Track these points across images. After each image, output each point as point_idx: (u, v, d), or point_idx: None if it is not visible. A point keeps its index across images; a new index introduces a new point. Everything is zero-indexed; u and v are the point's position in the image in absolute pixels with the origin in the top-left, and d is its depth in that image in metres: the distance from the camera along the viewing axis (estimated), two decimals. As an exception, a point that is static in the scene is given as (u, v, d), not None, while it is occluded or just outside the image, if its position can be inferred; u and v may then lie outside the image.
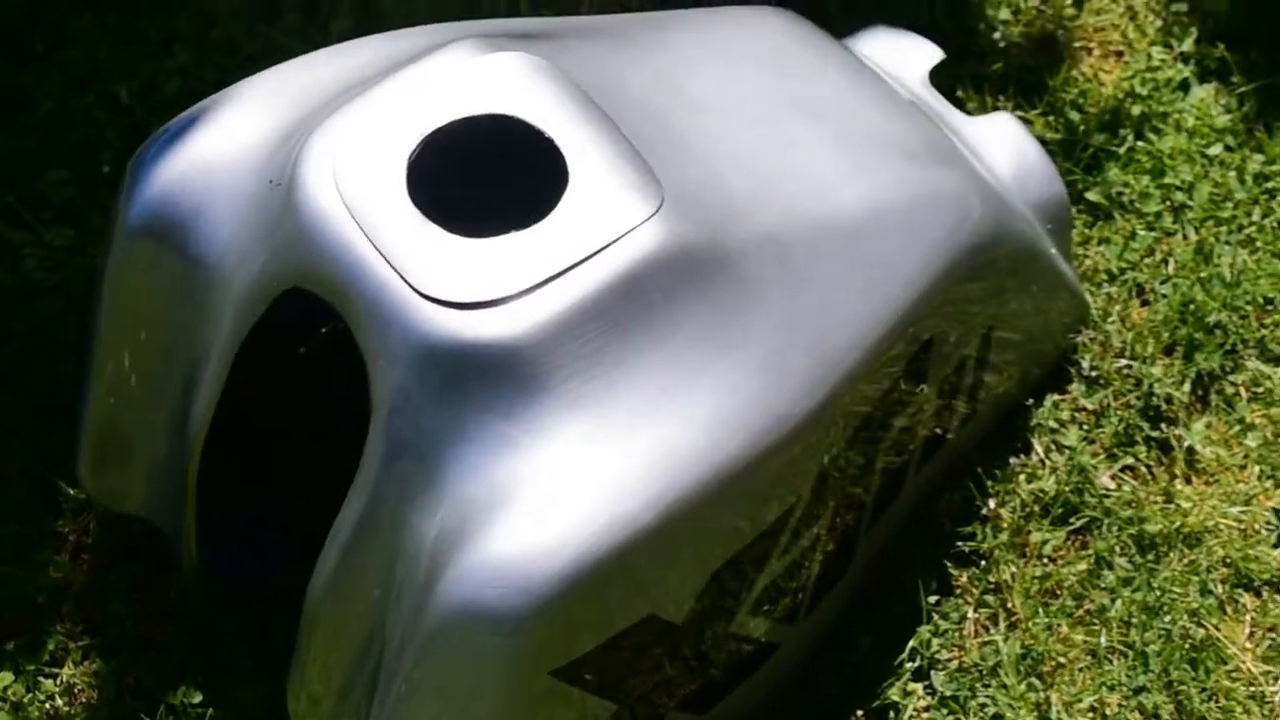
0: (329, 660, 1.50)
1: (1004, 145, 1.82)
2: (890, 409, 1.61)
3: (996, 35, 2.09)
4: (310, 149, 1.45)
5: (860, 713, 1.69)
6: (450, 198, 1.45)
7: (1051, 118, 2.04)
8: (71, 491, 1.79)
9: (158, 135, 1.54)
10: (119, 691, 1.72)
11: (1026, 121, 2.04)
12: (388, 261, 1.39)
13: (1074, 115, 2.04)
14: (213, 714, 1.70)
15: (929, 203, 1.64)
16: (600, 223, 1.42)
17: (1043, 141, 2.01)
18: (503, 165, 1.48)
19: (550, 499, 1.37)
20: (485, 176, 1.49)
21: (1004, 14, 2.12)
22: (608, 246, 1.41)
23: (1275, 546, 1.80)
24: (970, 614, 1.76)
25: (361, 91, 1.48)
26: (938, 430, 1.72)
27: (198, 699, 1.71)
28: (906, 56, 1.85)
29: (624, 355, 1.41)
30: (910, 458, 1.69)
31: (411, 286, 1.39)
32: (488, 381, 1.38)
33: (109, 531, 1.80)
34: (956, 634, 1.75)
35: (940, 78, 2.02)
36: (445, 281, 1.39)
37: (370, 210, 1.42)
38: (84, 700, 1.72)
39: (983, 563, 1.78)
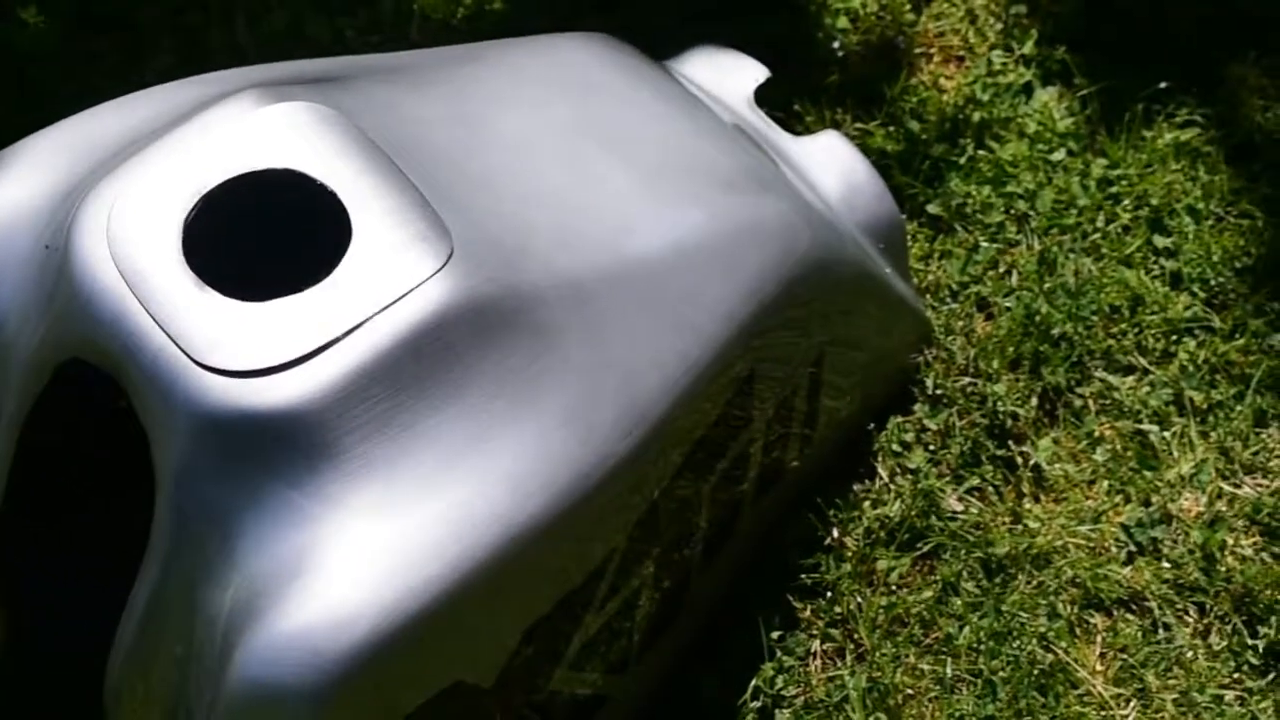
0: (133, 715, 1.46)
1: (832, 165, 1.78)
2: (716, 445, 1.56)
3: (835, 45, 2.05)
4: (83, 213, 1.39)
5: (700, 760, 1.67)
6: (233, 258, 1.39)
7: (892, 128, 2.00)
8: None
9: (-66, 201, 1.49)
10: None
11: (866, 134, 2.00)
12: (163, 330, 1.34)
13: (914, 125, 1.99)
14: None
15: (747, 234, 1.59)
16: (383, 280, 1.37)
17: (883, 154, 1.98)
18: (289, 222, 1.43)
19: (341, 570, 1.31)
20: (271, 234, 1.44)
21: (842, 22, 2.07)
22: (391, 305, 1.35)
23: (1125, 564, 1.76)
24: (816, 648, 1.72)
25: (138, 150, 1.42)
26: (773, 461, 1.67)
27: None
28: (730, 77, 1.81)
29: (415, 417, 1.35)
30: (744, 492, 1.65)
31: (188, 355, 1.33)
32: (273, 450, 1.33)
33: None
34: (801, 670, 1.71)
35: (776, 92, 1.98)
36: (223, 349, 1.34)
37: (145, 277, 1.36)
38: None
39: (828, 594, 1.74)
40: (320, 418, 1.34)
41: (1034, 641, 1.71)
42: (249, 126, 1.42)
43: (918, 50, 2.06)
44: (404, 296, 1.36)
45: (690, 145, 1.65)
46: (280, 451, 1.34)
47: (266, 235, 1.42)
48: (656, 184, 1.58)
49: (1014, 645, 1.71)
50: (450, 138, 1.50)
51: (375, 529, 1.34)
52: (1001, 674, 1.69)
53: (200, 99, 1.48)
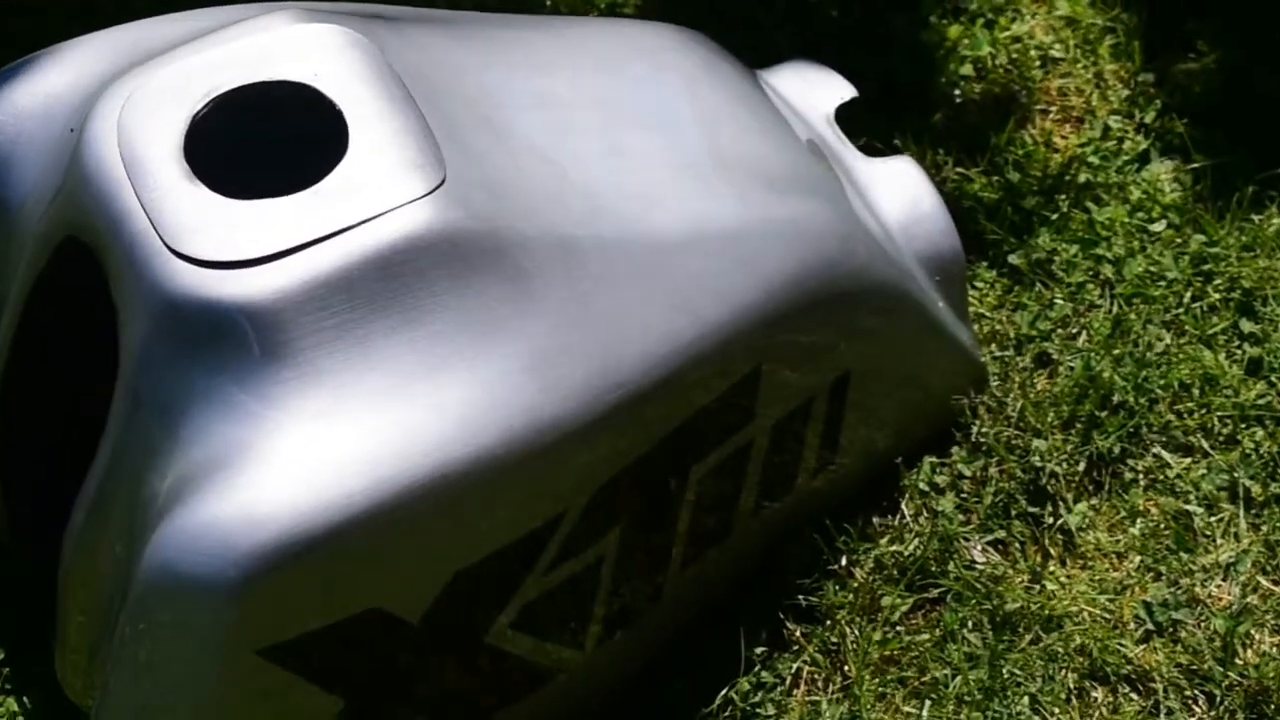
0: (80, 618, 1.47)
1: (898, 190, 1.74)
2: (707, 434, 1.53)
3: (955, 92, 2.02)
4: (102, 100, 1.43)
5: (653, 756, 1.63)
6: (236, 164, 1.42)
7: (994, 177, 1.96)
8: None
9: (-17, 81, 1.55)
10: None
11: (966, 179, 1.95)
12: (146, 213, 1.37)
13: (1014, 175, 1.94)
14: (8, 672, 1.68)
15: (776, 232, 1.56)
16: (366, 196, 1.37)
17: (977, 200, 1.93)
18: (297, 136, 1.45)
19: (268, 470, 1.32)
20: (277, 145, 1.45)
21: (966, 69, 2.04)
22: (368, 221, 1.36)
23: (1140, 642, 1.67)
24: (800, 670, 1.67)
25: (170, 50, 1.46)
26: (779, 470, 1.63)
27: (1, 656, 1.70)
28: (815, 90, 1.78)
29: (372, 334, 1.35)
30: (740, 495, 1.61)
31: (162, 239, 1.35)
32: (225, 344, 1.34)
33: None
34: (780, 690, 1.66)
35: (879, 126, 1.96)
36: (196, 238, 1.36)
37: (142, 164, 1.39)
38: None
39: (824, 620, 1.69)
40: (276, 318, 1.35)
41: (1024, 701, 1.64)
42: (275, 39, 1.45)
43: (1037, 106, 2.01)
44: (382, 215, 1.37)
45: (742, 141, 1.63)
46: (233, 347, 1.35)
47: (272, 146, 1.45)
48: (691, 169, 1.57)
49: (1003, 702, 1.64)
50: (479, 84, 1.51)
51: (312, 436, 1.34)
52: (984, 729, 1.63)
53: (249, 16, 1.52)
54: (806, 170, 1.66)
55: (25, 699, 1.66)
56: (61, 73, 1.50)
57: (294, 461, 1.33)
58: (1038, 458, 1.76)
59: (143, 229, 1.37)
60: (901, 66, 2.03)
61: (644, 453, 1.48)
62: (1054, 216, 1.92)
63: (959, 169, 1.97)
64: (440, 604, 1.40)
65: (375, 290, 1.36)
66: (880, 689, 1.65)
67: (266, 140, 1.45)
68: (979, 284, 1.89)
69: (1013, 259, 1.90)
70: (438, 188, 1.39)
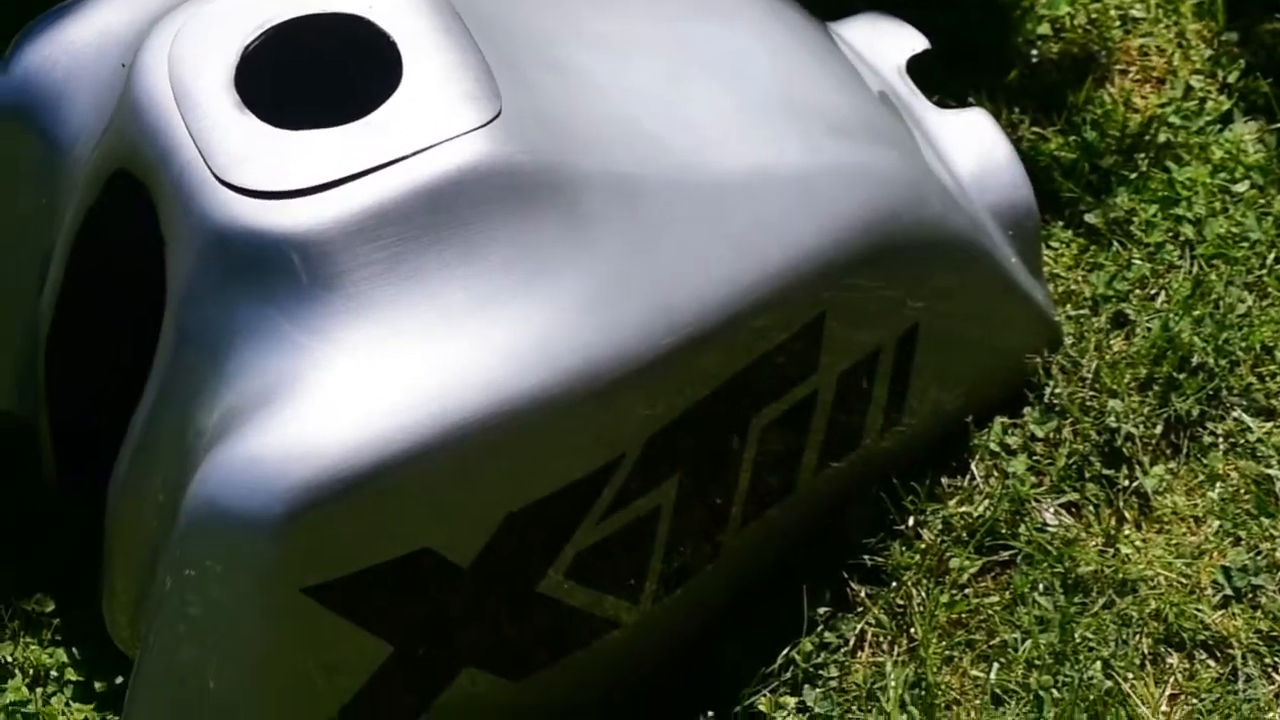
0: (126, 566, 1.44)
1: (970, 141, 1.69)
2: (765, 388, 1.49)
3: (1033, 53, 1.97)
4: (155, 33, 1.41)
5: (712, 714, 1.58)
6: (289, 96, 1.39)
7: (1070, 137, 1.91)
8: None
9: (40, 17, 1.52)
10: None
11: (1042, 138, 1.90)
12: (195, 143, 1.34)
13: (1091, 135, 1.89)
14: (58, 623, 1.66)
15: (844, 178, 1.52)
16: (419, 127, 1.34)
17: (1054, 160, 1.88)
18: (351, 68, 1.42)
19: (314, 403, 1.29)
20: (331, 77, 1.42)
21: (1044, 29, 1.99)
22: (420, 152, 1.33)
23: (1217, 608, 1.62)
24: (863, 631, 1.63)
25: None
26: (844, 426, 1.59)
27: (49, 608, 1.67)
28: (886, 40, 1.74)
29: (423, 267, 1.32)
30: (802, 451, 1.57)
31: (211, 169, 1.33)
32: (272, 275, 1.31)
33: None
34: (843, 651, 1.61)
35: (952, 85, 1.91)
36: (245, 168, 1.33)
37: (192, 94, 1.36)
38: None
39: (890, 581, 1.65)
40: (325, 249, 1.32)
41: (1097, 666, 1.59)
42: (331, -28, 1.43)
43: (1116, 66, 1.96)
44: (434, 146, 1.33)
45: (810, 87, 1.58)
46: (281, 278, 1.32)
47: (325, 78, 1.42)
48: (757, 113, 1.52)
49: (1075, 667, 1.59)
50: (542, 21, 1.48)
51: (361, 369, 1.31)
52: (1054, 693, 1.57)
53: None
54: (876, 118, 1.62)
55: (75, 649, 1.64)
56: (116, 9, 1.48)
57: (342, 395, 1.30)
58: (1113, 419, 1.70)
59: (192, 159, 1.34)
60: (975, 24, 1.98)
61: (703, 399, 1.44)
62: (1133, 176, 1.86)
63: (1034, 128, 1.91)
64: (491, 548, 1.37)
65: (427, 223, 1.32)
66: (947, 652, 1.61)
67: (320, 73, 1.42)
68: (1054, 244, 1.84)
69: (1089, 218, 1.84)
70: (493, 120, 1.35)
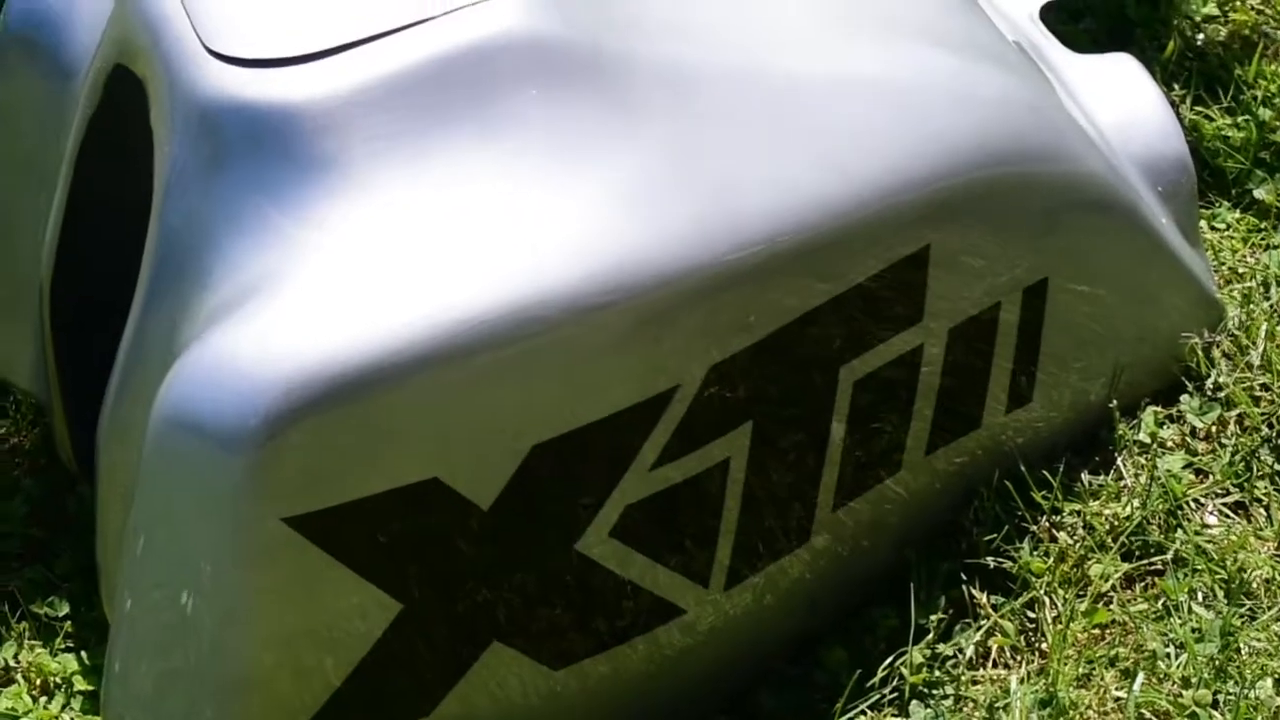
0: (117, 526, 1.25)
1: (1113, 86, 1.47)
2: (857, 330, 1.27)
3: (1199, 36, 1.75)
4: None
5: (804, 731, 1.34)
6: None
7: (1239, 116, 1.67)
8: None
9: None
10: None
11: (1206, 117, 1.67)
12: (186, 13, 1.18)
13: (1265, 113, 1.65)
14: (69, 628, 1.48)
15: (953, 94, 1.30)
16: (437, -9, 1.17)
17: (1221, 138, 1.65)
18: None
19: (303, 296, 1.09)
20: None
21: (1210, 8, 1.77)
22: (435, 17, 1.14)
23: None
24: (983, 643, 1.38)
25: None
26: (957, 397, 1.36)
27: (64, 611, 1.49)
28: (1015, -12, 1.54)
29: (432, 146, 1.13)
30: (909, 421, 1.34)
31: (199, 38, 1.16)
32: (262, 155, 1.12)
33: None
34: (959, 665, 1.37)
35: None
36: (237, 34, 1.15)
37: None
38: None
39: (1018, 588, 1.40)
40: (319, 124, 1.13)
41: (1268, 683, 1.32)
42: None
43: (1294, 43, 1.75)
44: (453, 11, 1.15)
45: (921, 9, 1.39)
46: (271, 159, 1.13)
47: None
48: (847, 19, 1.33)
49: (1240, 683, 1.32)
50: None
51: (354, 258, 1.11)
52: (1213, 713, 1.31)
53: None
54: (999, 47, 1.41)
55: (86, 656, 1.45)
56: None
57: (331, 286, 1.10)
58: (1288, 409, 1.46)
59: (182, 32, 1.17)
60: (1133, 2, 1.78)
61: (777, 331, 1.22)
62: (1311, 152, 1.64)
63: (1198, 107, 1.70)
64: (516, 487, 1.15)
65: (439, 97, 1.13)
66: (1084, 668, 1.35)
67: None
68: (1218, 224, 1.61)
69: (1260, 194, 1.61)
70: (529, -13, 1.18)
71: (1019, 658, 1.37)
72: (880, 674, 1.35)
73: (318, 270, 1.10)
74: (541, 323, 1.12)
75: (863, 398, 1.30)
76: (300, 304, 1.10)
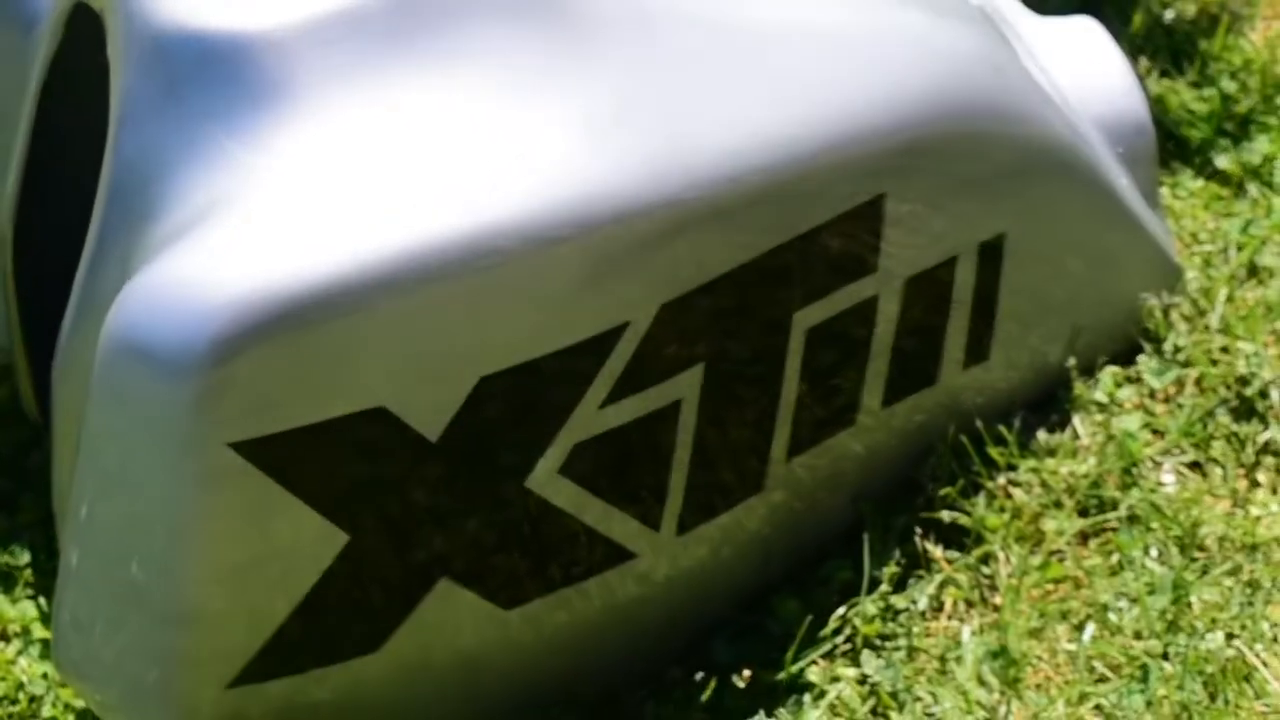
0: (67, 440, 1.26)
1: (1076, 48, 1.48)
2: (809, 278, 1.27)
3: (1168, 13, 1.76)
4: None
5: (748, 673, 1.33)
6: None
7: (1205, 89, 1.68)
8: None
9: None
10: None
11: (1172, 90, 1.68)
12: (145, -60, 1.19)
13: (1230, 85, 1.66)
14: (28, 577, 1.48)
15: (906, 42, 1.31)
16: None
17: (1186, 110, 1.66)
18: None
19: (251, 220, 1.09)
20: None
21: (1179, -16, 1.79)
22: (393, -53, 1.16)
23: (1367, 575, 1.36)
24: (936, 595, 1.38)
25: None
26: (912, 352, 1.36)
27: (24, 560, 1.49)
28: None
29: (389, 73, 1.13)
30: (864, 373, 1.35)
31: (155, -30, 1.18)
32: (214, 83, 1.13)
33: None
34: (912, 615, 1.37)
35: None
36: (192, -34, 1.17)
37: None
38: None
39: (972, 542, 1.40)
40: (272, 49, 1.13)
41: (1220, 635, 1.32)
42: None
43: (1261, 18, 1.75)
44: (408, -58, 1.17)
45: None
46: (223, 87, 1.13)
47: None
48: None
49: (1188, 635, 1.33)
50: None
51: (304, 184, 1.12)
52: (1164, 664, 1.31)
53: None
54: (961, 6, 1.41)
55: (45, 604, 1.46)
56: None
57: (279, 212, 1.10)
58: (1243, 366, 1.46)
59: (139, -36, 1.19)
60: (1100, -19, 1.80)
61: (730, 271, 1.23)
62: (1274, 122, 1.64)
63: (1164, 79, 1.70)
64: (464, 419, 1.15)
65: (396, 25, 1.14)
66: (1036, 620, 1.35)
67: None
68: (1181, 192, 1.61)
69: (1222, 163, 1.61)
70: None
71: (972, 610, 1.37)
72: (833, 624, 1.35)
73: (269, 195, 1.11)
74: (497, 253, 1.12)
75: (816, 347, 1.31)
76: (250, 228, 1.10)
